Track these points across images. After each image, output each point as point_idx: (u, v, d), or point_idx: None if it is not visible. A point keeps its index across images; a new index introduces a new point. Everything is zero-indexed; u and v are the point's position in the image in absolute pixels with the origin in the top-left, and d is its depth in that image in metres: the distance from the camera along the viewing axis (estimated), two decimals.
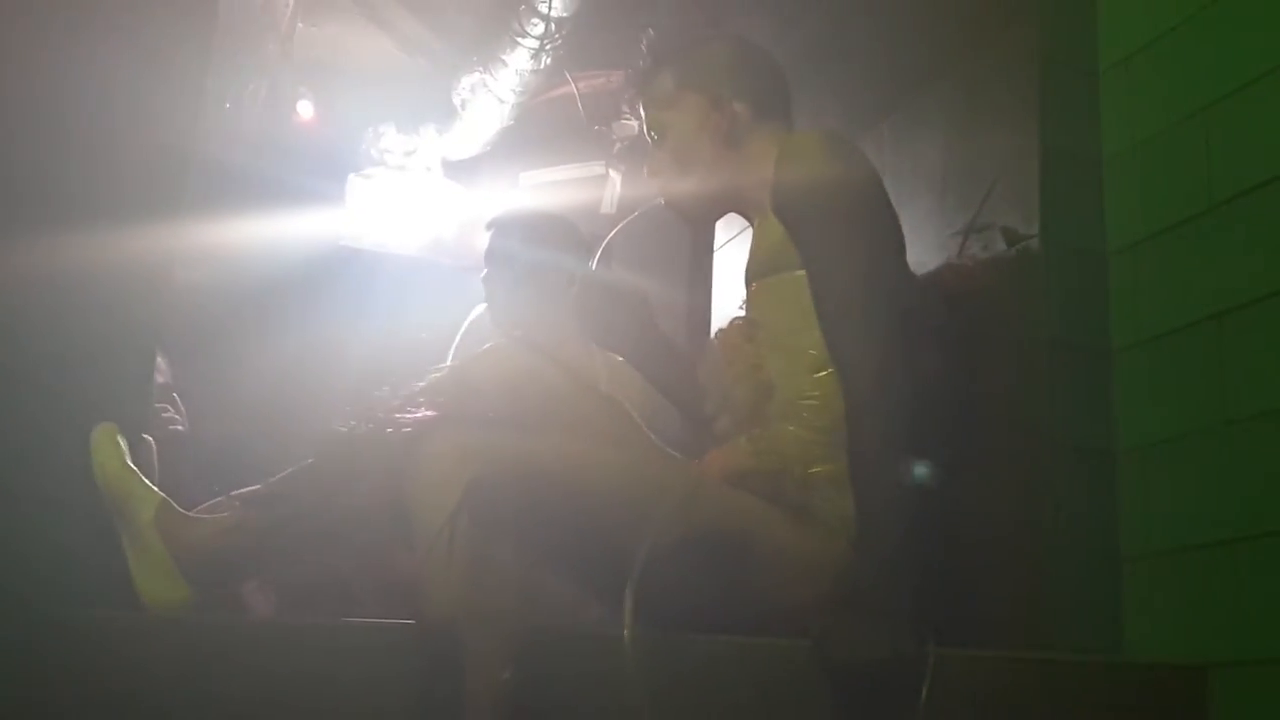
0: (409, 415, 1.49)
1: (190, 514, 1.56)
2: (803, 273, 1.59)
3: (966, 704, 1.37)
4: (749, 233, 2.44)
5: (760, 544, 1.50)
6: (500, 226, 2.54)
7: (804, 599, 1.48)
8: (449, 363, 2.18)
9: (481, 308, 2.58)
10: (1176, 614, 1.49)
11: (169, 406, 3.13)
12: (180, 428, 3.17)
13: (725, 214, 1.86)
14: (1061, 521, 1.57)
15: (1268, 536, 1.39)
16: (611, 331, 1.81)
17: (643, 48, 1.83)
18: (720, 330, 1.75)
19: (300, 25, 3.85)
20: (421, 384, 1.55)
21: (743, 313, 1.75)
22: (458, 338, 2.64)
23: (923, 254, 1.81)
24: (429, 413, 1.48)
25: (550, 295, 2.39)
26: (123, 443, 1.56)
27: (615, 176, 3.85)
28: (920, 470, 1.42)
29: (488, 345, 1.62)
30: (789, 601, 1.49)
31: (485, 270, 2.51)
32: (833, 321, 1.52)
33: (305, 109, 4.11)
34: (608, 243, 1.91)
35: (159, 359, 2.93)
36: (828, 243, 1.55)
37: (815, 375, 1.57)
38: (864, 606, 1.38)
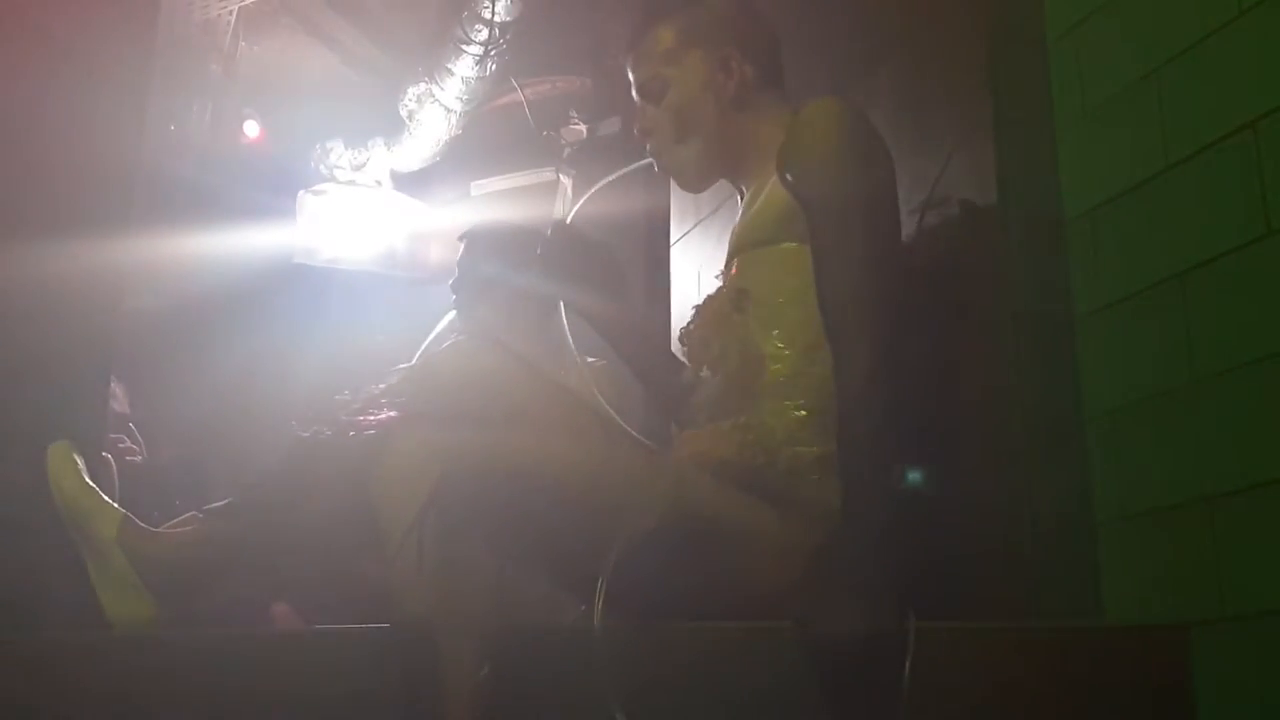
0: (372, 417, 1.47)
1: (154, 529, 1.53)
2: (803, 246, 1.55)
3: (950, 677, 1.36)
4: (708, 225, 2.44)
5: (734, 531, 1.48)
6: (471, 238, 2.59)
7: (779, 585, 1.47)
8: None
9: (450, 316, 2.60)
10: (1155, 575, 1.48)
11: (125, 438, 3.09)
12: (138, 459, 3.13)
13: (717, 180, 1.83)
14: (1035, 491, 1.56)
15: (1241, 493, 1.39)
16: (581, 281, 1.75)
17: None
18: (707, 298, 1.70)
19: (243, 44, 3.83)
20: (383, 385, 1.52)
21: (723, 283, 1.70)
22: (424, 344, 2.64)
23: None
24: (391, 413, 1.45)
25: (515, 307, 2.41)
26: (79, 460, 1.52)
27: (566, 182, 3.85)
28: (904, 457, 1.41)
29: (449, 342, 1.60)
30: (764, 588, 1.47)
31: (453, 278, 2.55)
32: (836, 308, 1.46)
33: (251, 128, 4.10)
34: (588, 196, 1.84)
35: (116, 387, 2.90)
36: (842, 228, 1.48)
37: (811, 350, 1.54)
38: (843, 585, 1.36)
